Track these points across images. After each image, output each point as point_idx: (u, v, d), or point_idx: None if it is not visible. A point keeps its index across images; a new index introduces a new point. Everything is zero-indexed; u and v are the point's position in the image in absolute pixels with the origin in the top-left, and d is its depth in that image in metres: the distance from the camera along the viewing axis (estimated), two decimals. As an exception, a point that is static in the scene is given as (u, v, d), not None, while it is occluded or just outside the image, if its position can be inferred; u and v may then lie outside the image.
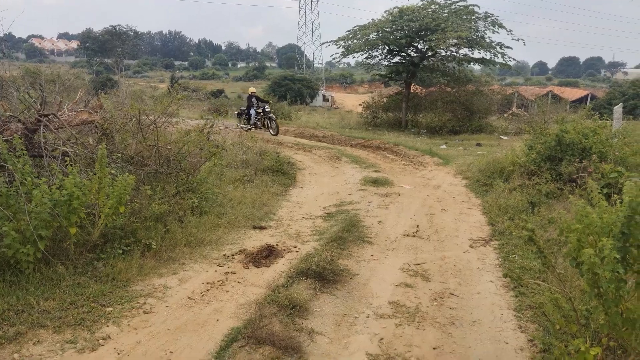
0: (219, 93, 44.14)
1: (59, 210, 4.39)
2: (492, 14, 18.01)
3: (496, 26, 17.79)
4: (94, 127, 7.04)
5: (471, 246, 6.03)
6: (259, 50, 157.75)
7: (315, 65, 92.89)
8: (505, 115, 22.68)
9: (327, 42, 20.09)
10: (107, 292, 4.35)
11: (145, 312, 4.13)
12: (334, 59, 20.59)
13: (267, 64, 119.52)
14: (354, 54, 19.84)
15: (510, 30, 17.71)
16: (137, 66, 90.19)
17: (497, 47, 17.76)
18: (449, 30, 16.65)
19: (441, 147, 14.88)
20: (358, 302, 4.45)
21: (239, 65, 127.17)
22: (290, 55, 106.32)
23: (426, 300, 4.49)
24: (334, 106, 50.89)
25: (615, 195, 3.80)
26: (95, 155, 6.03)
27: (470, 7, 18.30)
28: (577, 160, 7.61)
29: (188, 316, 4.11)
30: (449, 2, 18.83)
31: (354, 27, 19.99)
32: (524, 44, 17.90)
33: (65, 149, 5.40)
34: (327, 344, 3.70)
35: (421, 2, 18.96)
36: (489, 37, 17.91)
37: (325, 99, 54.97)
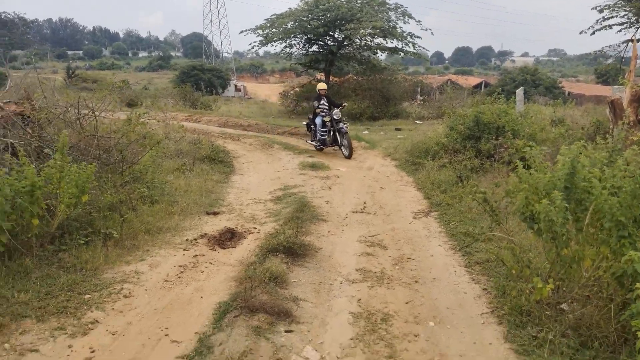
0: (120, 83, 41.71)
1: (21, 201, 4.23)
2: (402, 5, 19.14)
3: (406, 17, 18.92)
4: (24, 118, 6.65)
5: (414, 218, 6.64)
6: (161, 38, 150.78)
7: (224, 54, 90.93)
8: (416, 102, 24.19)
9: (245, 31, 20.04)
10: (80, 281, 4.29)
11: (125, 297, 4.16)
12: (252, 47, 20.61)
13: (172, 54, 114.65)
14: (273, 43, 19.97)
15: (419, 21, 18.98)
16: (25, 56, 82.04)
17: (409, 37, 18.93)
18: (365, 20, 17.42)
19: (364, 132, 15.62)
20: (329, 272, 4.81)
21: (140, 55, 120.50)
22: (196, 44, 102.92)
23: (388, 265, 4.97)
24: (247, 96, 50.39)
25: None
26: (38, 146, 5.78)
27: (381, -1, 19.25)
28: (493, 137, 8.57)
29: (170, 297, 4.21)
30: (362, -7, 19.61)
31: (272, 15, 20.13)
32: (432, 34, 19.26)
33: (12, 140, 5.11)
34: (312, 307, 4.03)
35: (336, -7, 19.54)
36: (400, 27, 19.03)
37: (237, 89, 54.18)
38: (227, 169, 10.00)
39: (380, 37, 18.90)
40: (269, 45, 19.97)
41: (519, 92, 11.85)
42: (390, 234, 5.96)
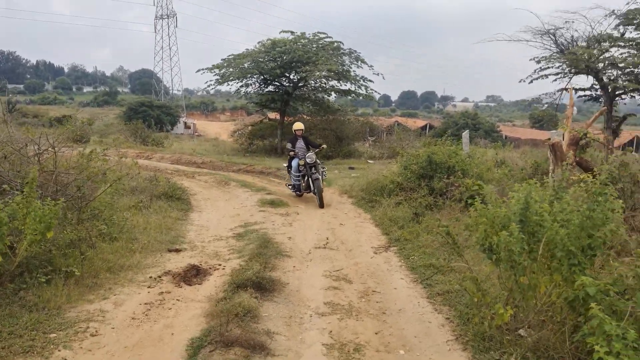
0: (62, 119, 40.25)
1: (-17, 238, 4.09)
2: (355, 50, 20.10)
3: (359, 61, 19.85)
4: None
5: (375, 252, 6.88)
6: (108, 74, 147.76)
7: (174, 91, 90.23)
8: (367, 142, 25.03)
9: (202, 70, 20.23)
10: (43, 320, 4.15)
11: (92, 335, 4.06)
12: (208, 86, 20.75)
13: (119, 89, 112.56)
14: (229, 82, 20.26)
15: (371, 66, 19.95)
16: (-40, 89, 77.86)
17: (361, 80, 19.81)
18: (320, 63, 18.12)
19: (319, 170, 15.98)
20: (298, 306, 4.90)
21: (85, 90, 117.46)
22: (145, 80, 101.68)
23: (355, 298, 5.13)
24: (197, 134, 49.99)
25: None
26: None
27: (336, 44, 20.15)
28: (445, 176, 9.08)
29: (140, 334, 4.14)
30: (316, 38, 20.45)
31: (229, 55, 20.50)
32: (383, 78, 20.26)
33: (-30, 174, 4.93)
34: (285, 340, 4.09)
35: (292, 36, 20.27)
36: (354, 71, 19.91)
37: (187, 127, 53.69)
38: (185, 206, 9.92)
39: (335, 79, 19.66)
40: (225, 84, 20.23)
41: (465, 134, 12.63)
42: (353, 268, 6.14)
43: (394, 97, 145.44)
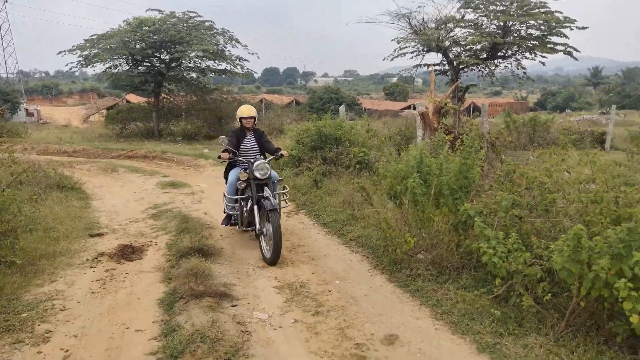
0: None
1: None
2: (228, 30, 20.35)
3: (233, 41, 20.19)
4: None
5: (288, 217, 7.82)
6: None
7: (8, 75, 79.05)
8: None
9: (63, 52, 18.70)
10: (6, 304, 4.36)
11: (62, 310, 4.40)
12: (70, 68, 19.30)
13: None
14: (94, 64, 19.11)
15: (245, 45, 20.41)
16: None
17: (237, 60, 20.22)
18: (195, 44, 18.11)
19: (205, 151, 16.28)
20: (240, 264, 5.66)
21: None
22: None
23: (285, 252, 6.02)
24: (42, 121, 45.14)
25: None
26: None
27: (208, 23, 20.16)
28: (334, 147, 10.31)
29: (108, 302, 4.58)
30: (186, 17, 20.21)
31: (92, 35, 19.29)
32: (258, 57, 20.90)
33: None
34: (242, 288, 4.88)
35: (160, 15, 19.76)
36: (228, 50, 20.21)
37: (29, 114, 48.09)
38: (82, 195, 9.76)
39: (211, 59, 19.77)
40: (90, 66, 19.04)
41: (342, 108, 14.05)
42: (274, 230, 7.03)
43: (258, 74, 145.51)
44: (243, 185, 6.01)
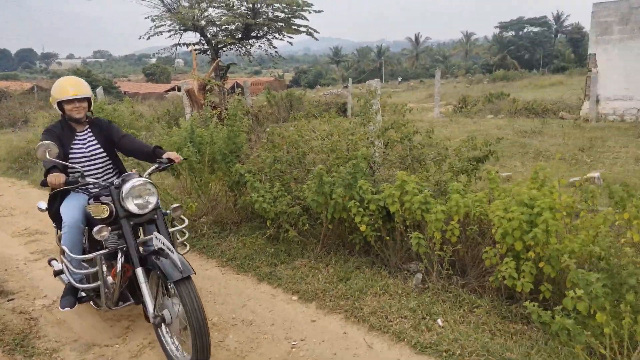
0: None
1: None
2: None
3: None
4: None
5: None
6: None
7: None
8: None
9: None
10: None
11: None
12: None
13: None
14: None
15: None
16: None
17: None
18: None
19: None
20: (7, 261, 5.22)
21: None
22: None
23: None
24: None
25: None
26: None
27: None
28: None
29: None
30: None
31: None
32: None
33: None
34: (16, 282, 4.59)
35: None
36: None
37: None
38: None
39: None
40: None
41: (99, 91, 13.24)
42: (38, 225, 6.55)
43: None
44: (104, 234, 2.96)
